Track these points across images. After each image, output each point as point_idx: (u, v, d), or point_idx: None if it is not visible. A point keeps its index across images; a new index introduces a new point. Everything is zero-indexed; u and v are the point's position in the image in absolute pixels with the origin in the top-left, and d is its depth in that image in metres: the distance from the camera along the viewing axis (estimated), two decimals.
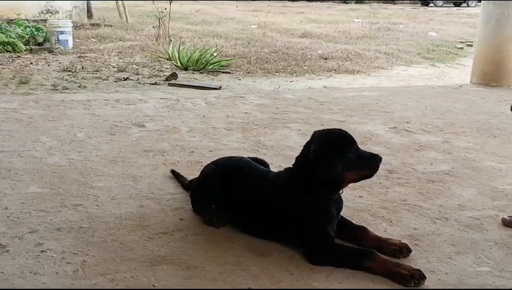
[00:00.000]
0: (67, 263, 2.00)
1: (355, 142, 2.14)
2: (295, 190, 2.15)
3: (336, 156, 2.07)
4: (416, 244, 2.21)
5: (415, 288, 1.88)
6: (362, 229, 2.21)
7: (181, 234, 2.25)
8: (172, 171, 2.94)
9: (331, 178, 2.09)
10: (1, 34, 8.59)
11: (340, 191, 2.19)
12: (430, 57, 9.64)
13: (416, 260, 2.08)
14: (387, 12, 18.82)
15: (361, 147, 3.50)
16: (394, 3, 25.03)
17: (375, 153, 2.21)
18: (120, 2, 12.96)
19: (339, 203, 2.22)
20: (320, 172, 2.09)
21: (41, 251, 2.08)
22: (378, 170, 2.15)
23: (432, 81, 7.25)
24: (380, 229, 2.35)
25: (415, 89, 6.04)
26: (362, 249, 2.06)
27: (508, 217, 2.43)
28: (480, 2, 6.37)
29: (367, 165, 2.12)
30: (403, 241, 2.15)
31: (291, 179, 2.19)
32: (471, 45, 10.42)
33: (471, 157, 3.42)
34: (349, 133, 2.19)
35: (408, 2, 31.99)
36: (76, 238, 2.19)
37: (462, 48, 10.84)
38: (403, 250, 2.10)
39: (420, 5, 30.97)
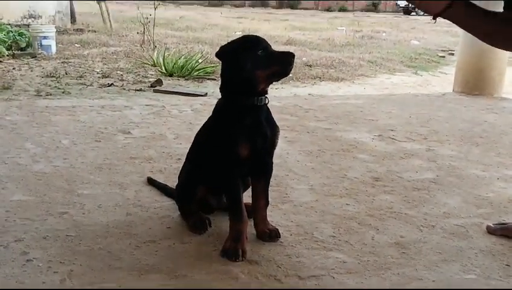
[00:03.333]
0: (54, 272, 1.97)
1: (265, 42, 2.11)
2: (216, 115, 2.22)
3: (243, 55, 2.05)
4: (404, 252, 2.23)
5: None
6: (263, 208, 2.27)
7: (169, 243, 2.24)
8: (149, 180, 2.91)
9: (243, 77, 2.07)
10: None
11: (264, 99, 2.14)
12: (413, 65, 9.78)
13: (403, 268, 2.09)
14: (370, 21, 19.00)
15: (347, 154, 3.60)
16: (377, 12, 25.30)
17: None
18: (104, 7, 12.92)
19: (270, 123, 2.19)
20: (231, 73, 2.11)
21: (27, 260, 2.05)
22: (291, 65, 2.09)
23: (415, 89, 7.35)
24: (367, 237, 2.36)
25: (399, 97, 6.10)
26: (241, 212, 2.14)
27: (493, 224, 2.47)
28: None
29: (278, 61, 2.08)
30: (275, 229, 2.30)
31: (215, 108, 2.24)
32: (453, 54, 10.59)
33: (455, 165, 3.46)
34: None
35: (391, 11, 32.37)
36: (63, 247, 2.16)
37: (444, 57, 11.00)
38: (272, 234, 2.26)
39: (402, 13, 31.46)
